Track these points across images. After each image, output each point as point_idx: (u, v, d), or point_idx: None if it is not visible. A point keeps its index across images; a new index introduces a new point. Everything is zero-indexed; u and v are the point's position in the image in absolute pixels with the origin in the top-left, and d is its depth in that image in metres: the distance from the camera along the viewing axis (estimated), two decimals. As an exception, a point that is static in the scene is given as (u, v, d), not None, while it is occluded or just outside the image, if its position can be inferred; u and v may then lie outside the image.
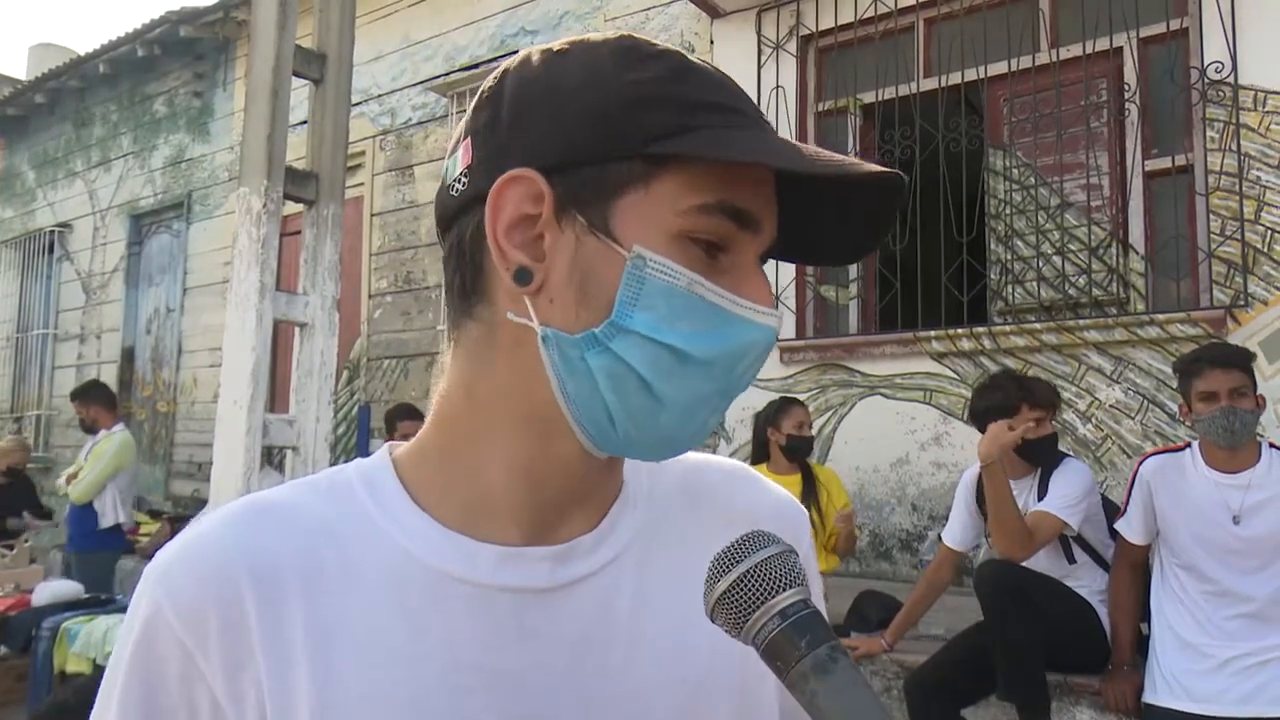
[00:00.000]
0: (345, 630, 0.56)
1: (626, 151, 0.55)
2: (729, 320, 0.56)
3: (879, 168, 0.55)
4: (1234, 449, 2.64)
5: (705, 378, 0.56)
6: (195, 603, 0.56)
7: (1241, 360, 2.70)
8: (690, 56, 0.59)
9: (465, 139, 0.59)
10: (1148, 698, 2.76)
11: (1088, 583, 3.01)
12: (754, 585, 0.50)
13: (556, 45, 0.59)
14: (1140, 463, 2.87)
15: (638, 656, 0.60)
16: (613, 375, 0.55)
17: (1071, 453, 3.50)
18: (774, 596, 0.50)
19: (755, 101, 0.61)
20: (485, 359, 0.59)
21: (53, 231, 9.42)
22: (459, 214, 0.59)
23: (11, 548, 5.55)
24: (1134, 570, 2.92)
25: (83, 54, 8.97)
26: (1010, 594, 2.80)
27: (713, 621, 0.52)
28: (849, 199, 0.59)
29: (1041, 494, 3.03)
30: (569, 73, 0.57)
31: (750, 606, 0.50)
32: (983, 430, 3.15)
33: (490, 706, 0.56)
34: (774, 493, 0.72)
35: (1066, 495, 2.94)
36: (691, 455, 0.70)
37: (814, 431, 3.92)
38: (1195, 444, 2.77)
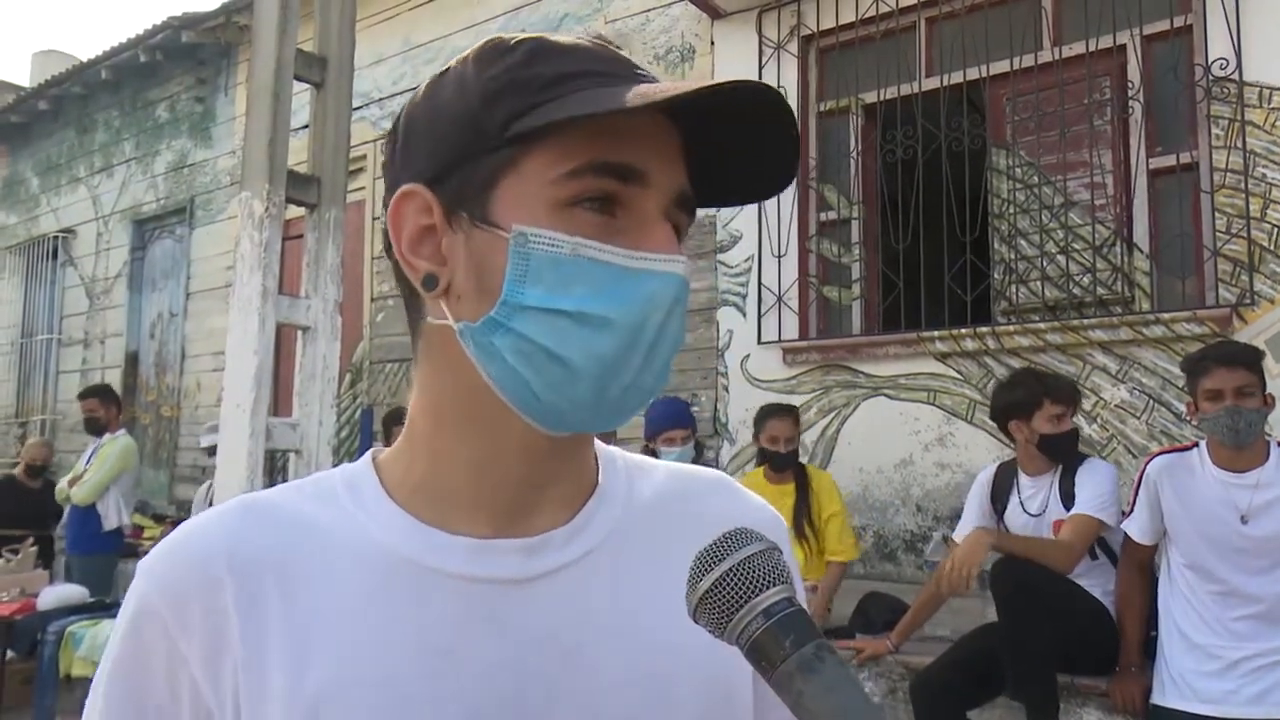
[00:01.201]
0: (321, 618, 0.59)
1: (491, 143, 0.58)
2: (626, 276, 0.57)
3: (718, 82, 0.55)
4: (1240, 448, 2.62)
5: (613, 337, 0.56)
6: (180, 591, 0.59)
7: (1249, 359, 2.68)
8: (552, 37, 0.61)
9: (383, 175, 0.66)
10: (1155, 699, 2.74)
11: (1101, 583, 2.99)
12: (737, 584, 0.50)
13: (444, 68, 0.63)
14: (1147, 462, 2.85)
15: (608, 650, 0.61)
16: (521, 352, 0.57)
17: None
18: (757, 595, 0.49)
19: (632, 61, 0.61)
20: (429, 367, 0.63)
21: (56, 237, 9.44)
22: (388, 244, 0.63)
23: (16, 552, 5.55)
24: (1140, 570, 2.90)
25: (85, 60, 8.99)
26: (1025, 593, 2.78)
27: (695, 622, 0.52)
28: (755, 131, 0.60)
29: (1065, 492, 3.02)
30: (444, 90, 0.61)
31: (733, 606, 0.49)
32: (1003, 428, 3.15)
33: (460, 692, 0.58)
34: (751, 503, 0.73)
35: (1100, 495, 2.95)
36: (675, 464, 0.74)
37: (795, 445, 3.79)
38: (1203, 443, 2.75)
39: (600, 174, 0.57)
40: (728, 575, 0.50)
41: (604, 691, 0.60)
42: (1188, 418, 3.76)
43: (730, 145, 0.62)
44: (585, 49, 0.60)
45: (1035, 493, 3.12)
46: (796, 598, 0.50)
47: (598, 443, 0.69)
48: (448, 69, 0.63)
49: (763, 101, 0.58)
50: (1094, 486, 2.96)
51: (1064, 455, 3.08)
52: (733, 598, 0.49)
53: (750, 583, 0.49)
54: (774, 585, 0.50)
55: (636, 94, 0.55)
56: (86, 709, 0.61)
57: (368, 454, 0.67)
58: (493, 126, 0.58)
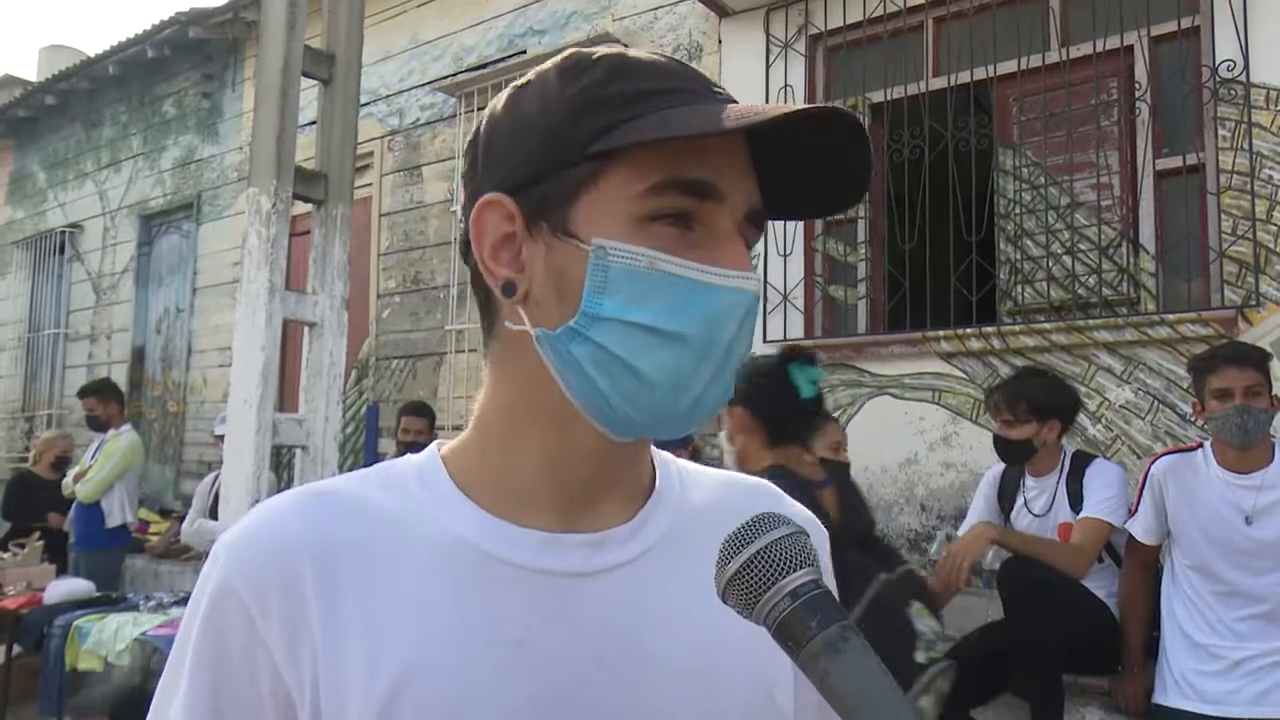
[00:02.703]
0: (397, 605, 0.60)
1: (573, 158, 0.60)
2: (700, 290, 0.59)
3: (804, 106, 0.57)
4: (1246, 448, 2.62)
5: (687, 350, 0.59)
6: (260, 577, 0.61)
7: (1258, 359, 2.67)
8: (631, 53, 0.63)
9: (461, 183, 0.68)
10: (1158, 698, 2.74)
11: (1105, 584, 2.99)
12: (765, 566, 0.51)
13: (523, 79, 0.66)
14: (1151, 463, 2.85)
15: (663, 645, 0.63)
16: (597, 361, 0.59)
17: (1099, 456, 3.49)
18: (785, 577, 0.51)
19: (708, 78, 0.64)
20: (503, 369, 0.65)
21: (63, 232, 9.46)
22: (467, 249, 0.66)
23: (24, 546, 5.58)
24: (1145, 571, 2.90)
25: (93, 55, 9.01)
26: (1031, 593, 2.78)
27: (724, 602, 0.53)
28: (827, 148, 0.62)
29: (1072, 493, 3.01)
30: (527, 103, 0.63)
31: (761, 587, 0.51)
32: (990, 404, 3.16)
33: (527, 679, 0.60)
34: (795, 509, 0.76)
35: (1109, 497, 2.93)
36: (721, 471, 0.78)
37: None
38: (1208, 444, 2.75)
39: (679, 191, 0.59)
40: (756, 557, 0.51)
41: (660, 685, 0.62)
42: (1193, 418, 3.76)
43: (801, 162, 0.63)
44: (663, 66, 0.62)
45: (1040, 493, 3.12)
46: (823, 580, 0.52)
47: (652, 446, 0.71)
48: (528, 81, 0.65)
49: (839, 124, 0.60)
50: (1103, 489, 2.95)
51: (1011, 459, 3.09)
52: (760, 579, 0.51)
53: (778, 565, 0.51)
54: (801, 568, 0.51)
55: (721, 116, 0.57)
56: (160, 690, 0.63)
57: (432, 446, 0.69)
58: (575, 142, 0.60)
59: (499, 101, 0.66)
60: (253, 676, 0.60)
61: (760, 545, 0.52)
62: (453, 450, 0.68)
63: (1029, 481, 3.16)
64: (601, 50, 0.63)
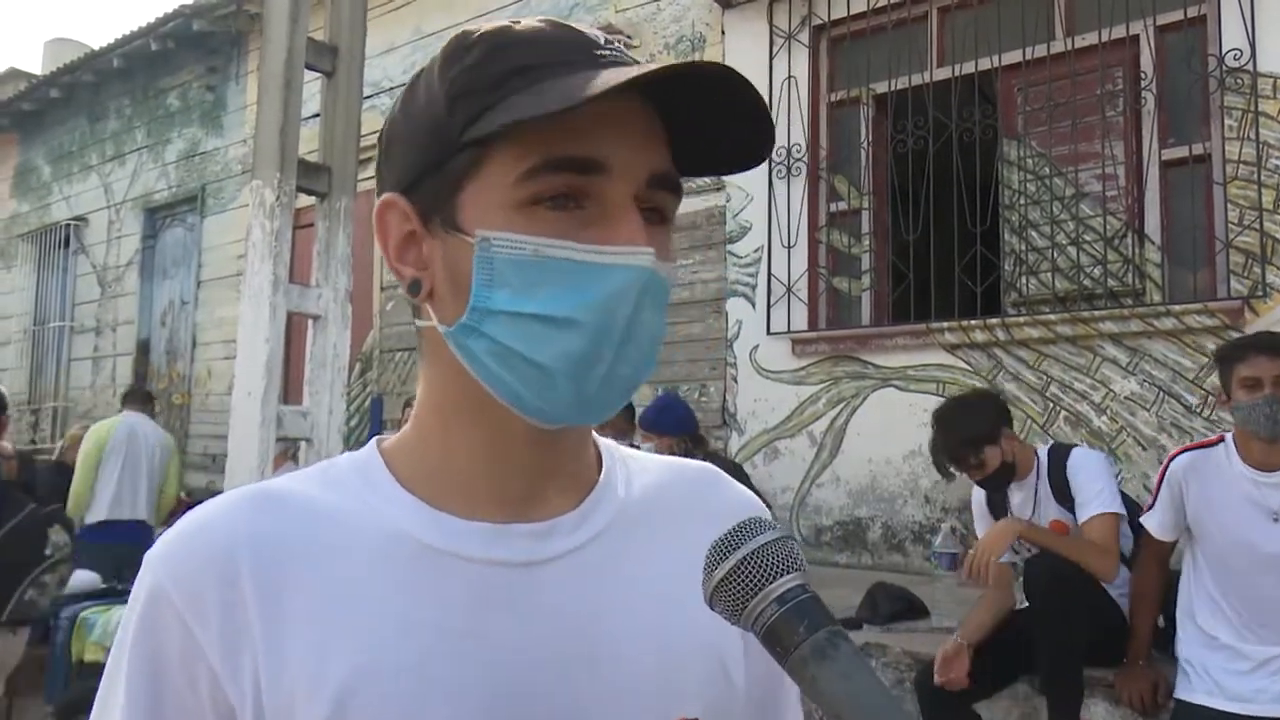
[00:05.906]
0: (343, 605, 0.59)
1: (452, 149, 0.58)
2: (590, 271, 0.56)
3: (668, 65, 0.55)
4: (1276, 440, 2.53)
5: (581, 335, 0.57)
6: (196, 582, 0.58)
7: None
8: (517, 26, 0.61)
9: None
10: (1180, 694, 2.67)
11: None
12: (752, 571, 0.51)
13: (418, 70, 0.64)
14: (1170, 459, 2.74)
15: (615, 630, 0.62)
16: (495, 355, 0.58)
17: (1082, 444, 3.48)
18: (772, 582, 0.50)
19: (595, 39, 0.60)
20: (429, 366, 0.65)
21: (68, 225, 9.48)
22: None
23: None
24: (1160, 564, 2.81)
25: (97, 48, 9.02)
26: (1063, 592, 2.70)
27: (711, 609, 0.53)
28: (729, 106, 0.59)
29: (1057, 487, 2.94)
30: (416, 95, 0.62)
31: (748, 592, 0.50)
32: (944, 472, 3.07)
33: (483, 672, 0.59)
34: (740, 491, 0.76)
35: (1100, 490, 2.83)
36: (664, 457, 0.77)
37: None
38: (1229, 438, 2.64)
39: (557, 170, 0.56)
40: (743, 563, 0.51)
41: (614, 670, 0.61)
42: (1199, 409, 3.74)
43: (707, 119, 0.61)
44: (545, 36, 0.60)
45: (1024, 498, 3.03)
46: (810, 585, 0.51)
47: (594, 434, 0.70)
48: (419, 74, 0.63)
49: (722, 75, 0.57)
50: (1093, 482, 2.85)
51: (1000, 487, 3.01)
52: (747, 585, 0.51)
53: (764, 570, 0.51)
54: (788, 572, 0.51)
55: (585, 87, 0.54)
56: (98, 702, 0.60)
57: (372, 442, 0.67)
58: (453, 131, 0.58)
59: (398, 97, 0.64)
60: (192, 683, 0.57)
61: (746, 551, 0.51)
62: (393, 445, 0.66)
63: (1011, 489, 3.07)
64: (484, 28, 0.61)
